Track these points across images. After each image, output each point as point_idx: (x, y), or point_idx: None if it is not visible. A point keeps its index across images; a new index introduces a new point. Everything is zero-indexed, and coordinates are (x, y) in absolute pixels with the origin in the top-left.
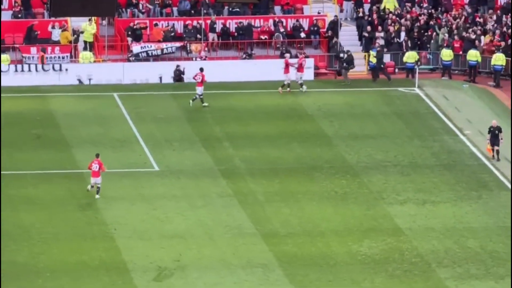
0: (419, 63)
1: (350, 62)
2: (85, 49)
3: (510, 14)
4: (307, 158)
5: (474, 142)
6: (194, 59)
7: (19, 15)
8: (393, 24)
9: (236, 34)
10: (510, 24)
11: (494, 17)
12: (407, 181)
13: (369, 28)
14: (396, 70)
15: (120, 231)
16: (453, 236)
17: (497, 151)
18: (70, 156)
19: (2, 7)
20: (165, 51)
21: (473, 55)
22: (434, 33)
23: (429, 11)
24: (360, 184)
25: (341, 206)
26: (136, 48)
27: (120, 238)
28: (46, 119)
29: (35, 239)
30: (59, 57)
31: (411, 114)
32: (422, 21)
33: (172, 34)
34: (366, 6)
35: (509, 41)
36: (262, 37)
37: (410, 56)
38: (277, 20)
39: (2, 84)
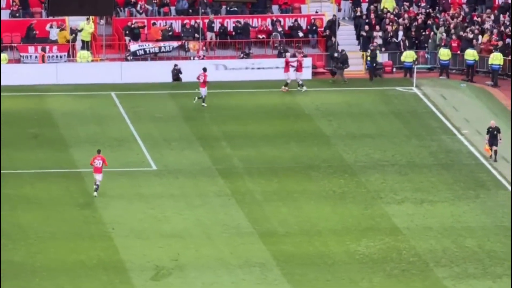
0: (416, 62)
1: (344, 61)
2: (83, 48)
3: (508, 14)
4: (305, 157)
5: (472, 142)
6: (192, 58)
7: (17, 14)
8: (391, 23)
9: (234, 33)
10: (507, 24)
11: (492, 16)
12: (405, 180)
13: (367, 27)
14: (394, 69)
15: (118, 230)
16: (451, 236)
17: (495, 151)
18: (67, 155)
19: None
20: (162, 49)
21: (471, 55)
22: (432, 33)
23: (427, 10)
24: (358, 183)
25: (339, 206)
26: (133, 46)
27: (118, 237)
28: (44, 118)
29: (32, 238)
30: (56, 56)
31: (409, 114)
32: (420, 21)
33: (170, 33)
34: (364, 6)
35: (507, 40)
36: (260, 36)
37: (408, 56)
38: (275, 19)
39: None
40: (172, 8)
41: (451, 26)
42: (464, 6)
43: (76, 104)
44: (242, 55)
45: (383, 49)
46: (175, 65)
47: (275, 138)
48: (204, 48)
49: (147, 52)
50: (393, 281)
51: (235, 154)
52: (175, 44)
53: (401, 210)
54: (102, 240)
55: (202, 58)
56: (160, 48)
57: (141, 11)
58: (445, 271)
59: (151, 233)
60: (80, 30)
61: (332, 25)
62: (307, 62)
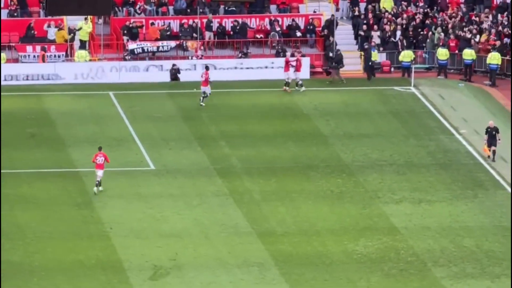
0: (414, 62)
1: (339, 61)
2: (81, 48)
3: (506, 13)
4: (303, 157)
5: (470, 141)
6: (190, 57)
7: (15, 14)
8: (389, 23)
9: (232, 33)
10: (505, 23)
11: (490, 16)
12: (403, 180)
13: (365, 27)
14: (392, 69)
15: (116, 230)
16: (449, 235)
17: (494, 152)
18: (66, 155)
19: None
20: (160, 48)
21: (468, 54)
22: (430, 32)
23: (425, 10)
24: (356, 183)
25: (337, 205)
26: (131, 45)
27: (116, 237)
28: (42, 118)
29: (30, 238)
30: (54, 55)
31: (407, 113)
32: (418, 20)
33: (168, 33)
34: (362, 5)
35: (505, 40)
36: (258, 36)
37: (406, 55)
38: (273, 19)
39: None
40: (170, 7)
41: (449, 25)
42: (462, 5)
43: (74, 103)
44: (240, 55)
45: (381, 48)
46: (174, 65)
47: (273, 138)
48: (202, 47)
49: (145, 50)
50: (391, 280)
51: (233, 154)
52: (173, 43)
53: (399, 210)
54: (101, 240)
55: (200, 58)
56: (158, 47)
57: (139, 12)
58: (443, 270)
59: (149, 232)
60: (78, 30)
61: (330, 24)
62: (305, 62)
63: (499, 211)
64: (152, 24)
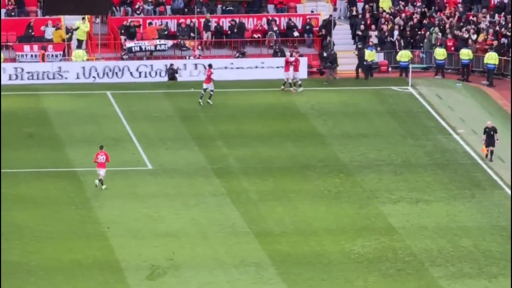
0: (411, 61)
1: (334, 61)
2: (78, 47)
3: (503, 13)
4: (300, 157)
5: (468, 141)
6: (187, 57)
7: (12, 13)
8: (386, 23)
9: (229, 32)
10: (503, 23)
11: (488, 16)
12: (400, 180)
13: (362, 27)
14: (390, 69)
15: (113, 229)
16: (446, 235)
17: (492, 152)
18: (63, 154)
19: None
20: (158, 47)
21: (466, 54)
22: (428, 32)
23: (423, 10)
24: (354, 183)
25: (334, 205)
26: (129, 43)
27: (113, 237)
28: (39, 118)
29: (28, 237)
30: (52, 55)
31: (404, 113)
32: (415, 20)
33: (166, 32)
34: (360, 5)
35: (502, 40)
36: (256, 36)
37: (404, 55)
38: (270, 18)
39: None
40: (168, 7)
41: (447, 25)
42: (459, 5)
43: (71, 103)
44: (237, 55)
45: (378, 48)
46: (171, 65)
47: (271, 138)
48: (199, 47)
49: (143, 49)
50: (389, 280)
51: (230, 154)
52: (171, 42)
53: (397, 210)
54: (98, 239)
55: (198, 57)
56: (155, 46)
57: (139, 12)
58: (440, 270)
59: (146, 232)
60: (76, 29)
61: (328, 24)
62: (303, 61)
63: (496, 211)
64: (150, 24)
